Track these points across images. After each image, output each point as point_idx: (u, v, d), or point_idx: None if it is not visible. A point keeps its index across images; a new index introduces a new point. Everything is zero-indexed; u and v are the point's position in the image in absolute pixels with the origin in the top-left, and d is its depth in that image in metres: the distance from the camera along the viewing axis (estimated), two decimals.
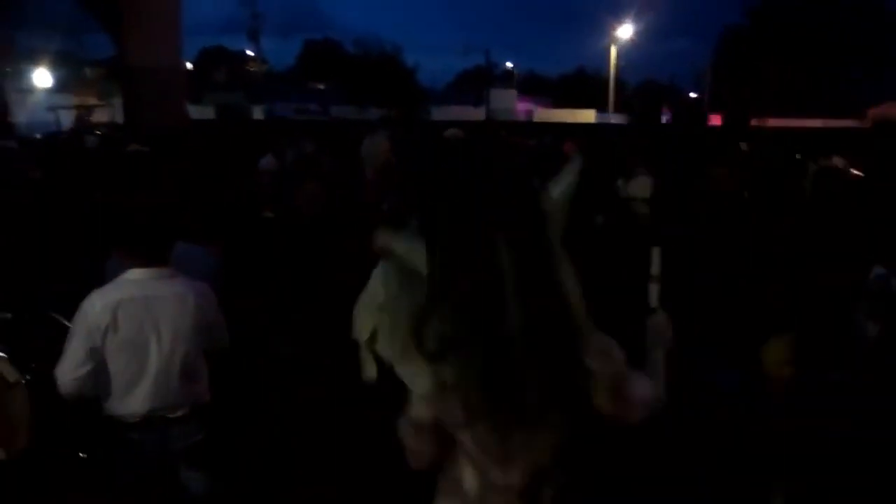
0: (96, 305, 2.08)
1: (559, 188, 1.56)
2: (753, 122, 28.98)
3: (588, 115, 36.53)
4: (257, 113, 30.48)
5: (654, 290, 1.76)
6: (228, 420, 2.49)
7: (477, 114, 32.04)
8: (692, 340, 2.57)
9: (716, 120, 32.73)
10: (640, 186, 5.80)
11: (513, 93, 41.43)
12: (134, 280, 2.16)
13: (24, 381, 2.32)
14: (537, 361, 1.31)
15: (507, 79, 47.06)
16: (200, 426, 2.25)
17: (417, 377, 1.39)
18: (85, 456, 2.60)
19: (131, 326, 2.11)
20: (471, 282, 1.28)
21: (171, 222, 2.28)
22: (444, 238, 1.33)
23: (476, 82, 45.71)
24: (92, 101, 21.38)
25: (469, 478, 1.54)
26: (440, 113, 30.79)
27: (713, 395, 2.66)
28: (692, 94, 45.45)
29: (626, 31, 39.53)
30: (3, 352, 2.39)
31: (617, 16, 39.86)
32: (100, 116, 18.45)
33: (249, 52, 47.40)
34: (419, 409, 1.46)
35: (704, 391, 2.66)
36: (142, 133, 10.04)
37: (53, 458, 2.56)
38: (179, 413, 2.20)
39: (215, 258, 3.20)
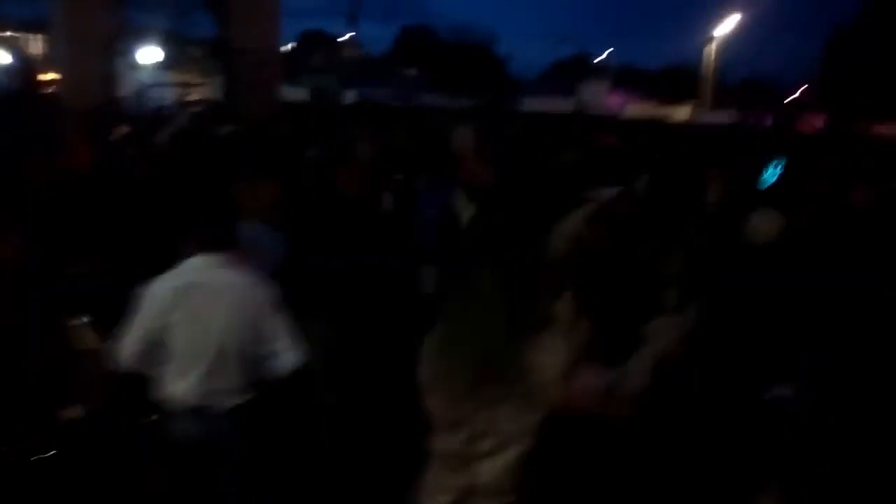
0: (158, 289, 2.23)
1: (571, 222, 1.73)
2: (857, 128, 27.41)
3: (683, 112, 35.35)
4: (351, 97, 31.01)
5: (668, 295, 1.84)
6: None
7: (566, 105, 31.59)
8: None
9: (819, 122, 31.10)
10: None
11: (604, 85, 40.58)
12: (194, 267, 2.28)
13: (102, 347, 2.51)
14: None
15: (600, 70, 46.12)
16: (244, 422, 2.33)
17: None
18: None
19: (187, 312, 2.24)
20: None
21: (235, 208, 2.39)
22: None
23: (569, 73, 45.07)
24: (194, 79, 22.37)
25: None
26: (531, 104, 30.48)
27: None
28: (795, 96, 43.38)
29: (729, 24, 37.94)
30: (86, 317, 2.59)
31: (720, 8, 38.31)
32: (201, 94, 19.30)
33: (347, 37, 48.24)
34: None
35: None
36: (235, 113, 10.44)
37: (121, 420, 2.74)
38: (226, 405, 2.29)
39: (284, 242, 3.34)
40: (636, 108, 36.42)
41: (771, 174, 6.56)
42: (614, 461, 2.30)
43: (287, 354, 2.35)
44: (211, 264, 2.30)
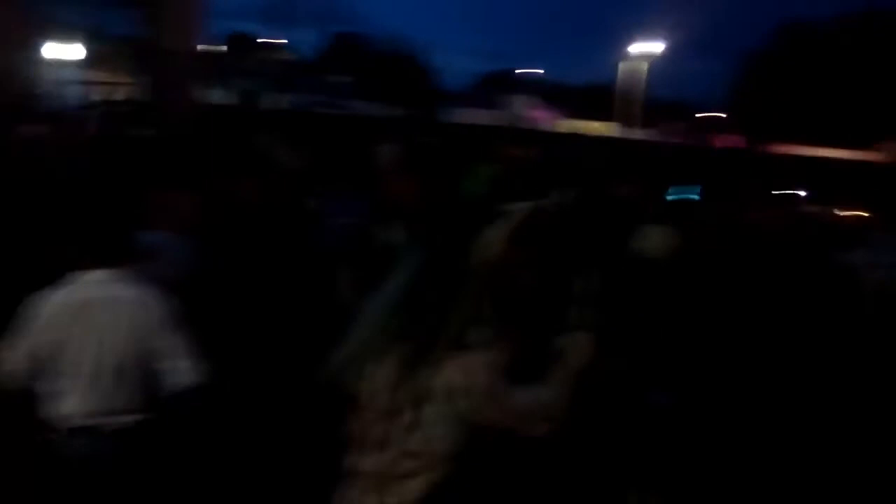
0: (50, 303, 2.14)
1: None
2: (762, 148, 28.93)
3: (601, 128, 36.34)
4: (282, 102, 30.52)
5: (576, 312, 1.90)
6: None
7: (493, 118, 32.03)
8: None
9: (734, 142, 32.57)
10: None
11: (531, 100, 41.31)
12: (89, 282, 2.18)
13: None
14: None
15: (527, 85, 46.95)
16: (136, 442, 2.26)
17: None
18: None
19: (80, 329, 2.16)
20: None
21: (135, 219, 2.33)
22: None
23: (497, 86, 45.67)
24: (117, 77, 21.64)
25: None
26: (458, 115, 30.77)
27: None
28: (718, 114, 45.23)
29: (651, 46, 39.33)
30: None
31: (647, 31, 39.70)
32: (125, 93, 18.69)
33: (276, 41, 47.58)
34: None
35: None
36: (157, 115, 10.15)
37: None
38: (119, 423, 2.21)
39: (195, 252, 3.27)
40: (562, 123, 37.20)
41: (683, 194, 6.78)
42: (537, 478, 2.36)
43: (185, 372, 2.30)
44: (106, 279, 2.22)
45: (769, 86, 40.34)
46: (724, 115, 41.33)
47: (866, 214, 6.47)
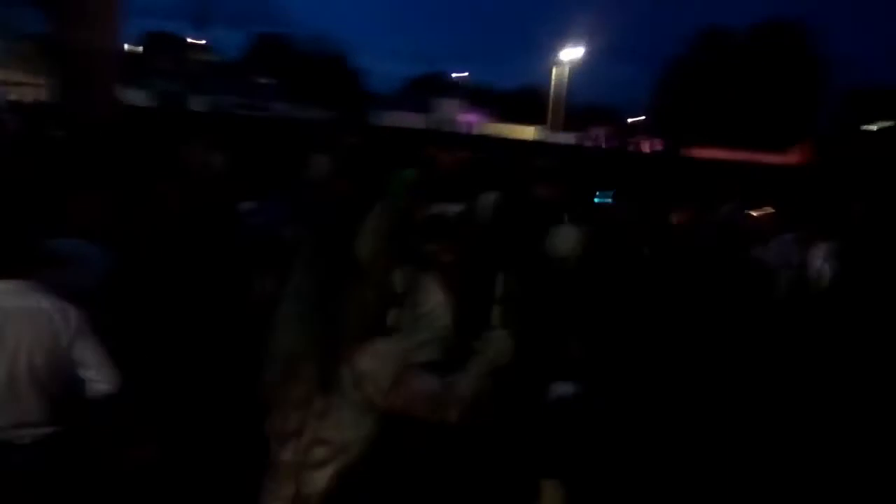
0: None
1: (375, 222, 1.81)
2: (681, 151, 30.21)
3: (528, 132, 37.07)
4: (200, 104, 29.91)
5: (496, 311, 1.97)
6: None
7: (419, 121, 32.25)
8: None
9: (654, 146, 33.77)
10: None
11: (457, 103, 41.75)
12: None
13: None
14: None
15: (454, 89, 47.40)
16: (47, 456, 2.19)
17: None
18: None
19: None
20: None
21: (42, 227, 2.24)
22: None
23: (424, 90, 45.94)
24: (23, 77, 20.68)
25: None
26: (385, 118, 30.86)
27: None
28: (637, 118, 46.73)
29: (576, 52, 40.36)
30: None
31: (568, 37, 40.71)
32: (32, 95, 17.87)
33: (197, 41, 46.46)
34: None
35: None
36: (69, 116, 9.75)
37: None
38: (28, 436, 2.12)
39: (110, 258, 3.16)
40: (489, 127, 37.76)
41: (605, 197, 6.97)
42: (446, 464, 2.41)
43: (101, 381, 2.23)
44: (14, 290, 2.12)
45: (687, 91, 41.96)
46: (645, 119, 42.81)
47: (775, 213, 6.83)
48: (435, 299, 2.79)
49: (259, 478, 1.95)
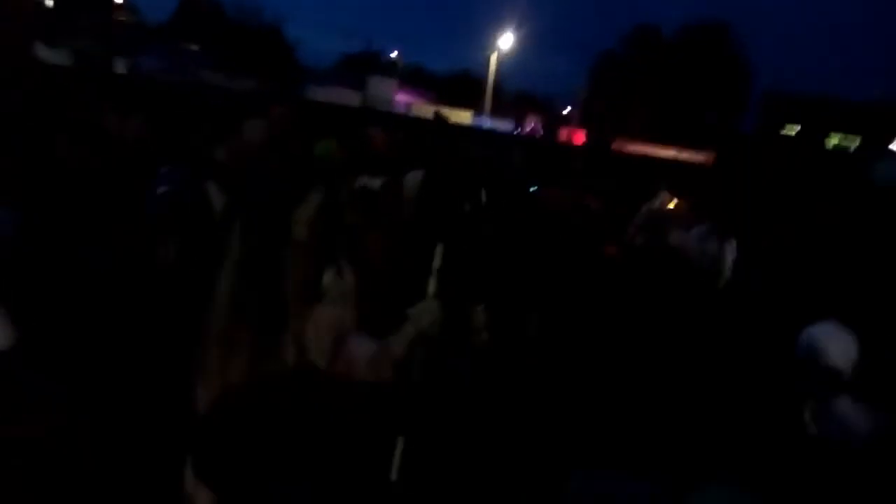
0: None
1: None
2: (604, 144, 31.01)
3: (465, 116, 37.19)
4: (120, 66, 28.63)
5: (432, 282, 2.02)
6: None
7: (354, 98, 31.88)
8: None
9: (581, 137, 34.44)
10: None
11: (393, 82, 41.43)
12: None
13: None
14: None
15: (389, 68, 47.02)
16: None
17: None
18: None
19: None
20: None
21: None
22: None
23: (358, 67, 45.33)
24: None
25: None
26: (318, 93, 30.24)
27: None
28: (566, 110, 47.59)
29: (510, 39, 40.61)
30: None
31: (506, 22, 40.91)
32: None
33: (120, 0, 44.52)
34: None
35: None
36: None
37: None
38: None
39: (12, 222, 3.00)
40: (421, 108, 37.64)
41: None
42: (380, 424, 2.42)
43: None
44: None
45: (615, 85, 42.98)
46: (572, 110, 43.64)
47: (688, 206, 7.12)
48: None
49: (170, 451, 1.90)
